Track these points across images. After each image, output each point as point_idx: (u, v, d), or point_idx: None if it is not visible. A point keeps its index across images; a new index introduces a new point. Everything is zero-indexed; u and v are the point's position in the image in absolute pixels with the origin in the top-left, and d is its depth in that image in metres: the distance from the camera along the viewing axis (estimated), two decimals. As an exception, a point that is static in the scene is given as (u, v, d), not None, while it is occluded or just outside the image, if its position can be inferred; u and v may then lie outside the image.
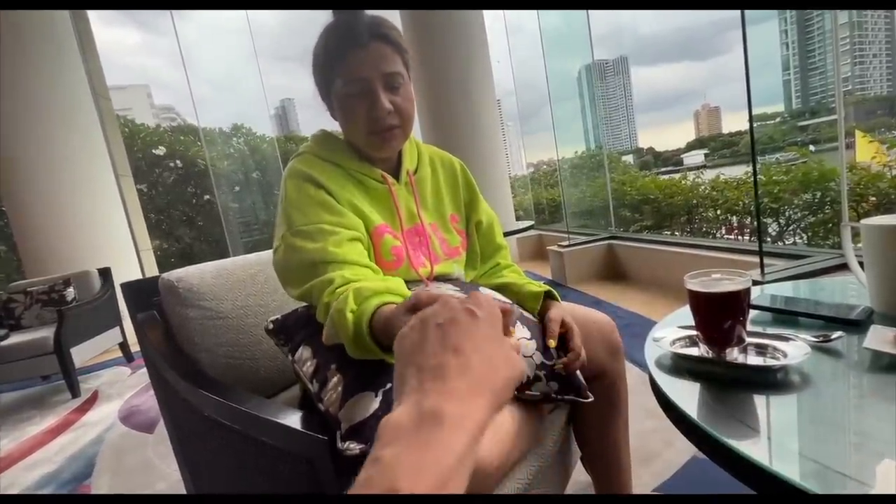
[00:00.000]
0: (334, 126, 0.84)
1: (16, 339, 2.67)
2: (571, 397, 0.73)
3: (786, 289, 0.94)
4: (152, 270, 4.95)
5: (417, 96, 5.04)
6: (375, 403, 0.59)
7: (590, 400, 0.73)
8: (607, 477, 0.90)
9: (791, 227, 3.04)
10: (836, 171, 2.75)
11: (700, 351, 0.64)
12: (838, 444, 0.46)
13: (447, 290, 0.78)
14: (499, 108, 5.47)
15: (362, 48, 0.72)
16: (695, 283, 0.62)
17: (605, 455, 0.89)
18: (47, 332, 2.67)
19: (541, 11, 4.95)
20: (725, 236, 3.61)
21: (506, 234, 1.07)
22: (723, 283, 0.62)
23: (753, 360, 0.60)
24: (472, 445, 0.23)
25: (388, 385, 0.60)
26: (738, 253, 2.52)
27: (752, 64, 1.99)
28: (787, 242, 3.09)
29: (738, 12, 2.01)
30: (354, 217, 0.73)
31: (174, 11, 5.52)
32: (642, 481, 1.18)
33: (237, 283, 0.99)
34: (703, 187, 3.98)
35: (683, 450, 1.27)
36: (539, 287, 0.83)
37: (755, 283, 1.87)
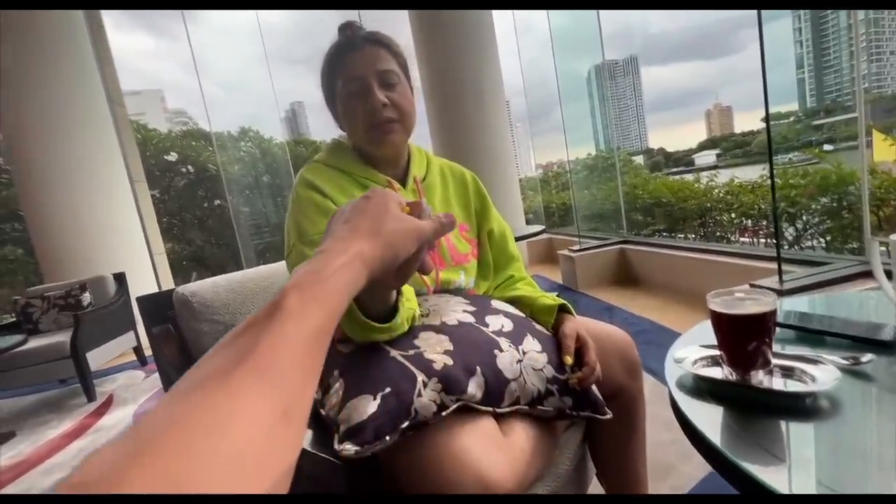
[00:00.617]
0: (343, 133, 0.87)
1: (34, 343, 2.72)
2: (588, 413, 0.71)
3: (803, 303, 0.92)
4: (165, 274, 5.01)
5: (425, 97, 5.01)
6: (373, 406, 0.58)
7: (608, 417, 0.71)
8: (625, 494, 0.88)
9: (809, 231, 2.97)
10: (855, 175, 2.69)
11: (723, 373, 0.62)
12: (874, 477, 0.44)
13: (456, 302, 0.77)
14: (507, 109, 5.44)
15: (357, 51, 0.78)
16: (718, 303, 0.60)
17: (622, 472, 0.87)
18: (64, 337, 2.72)
19: (550, 12, 4.93)
20: (741, 240, 3.55)
21: (517, 239, 1.06)
22: (747, 303, 0.60)
23: (780, 384, 0.58)
24: (351, 263, 0.33)
25: (388, 389, 0.59)
26: (754, 259, 2.47)
27: (767, 62, 1.95)
28: (803, 247, 3.03)
29: (749, 11, 1.98)
30: None
31: (186, 16, 5.60)
32: (659, 496, 1.16)
33: (250, 296, 0.99)
34: (716, 190, 3.91)
35: (701, 463, 1.23)
36: (553, 300, 0.81)
37: (773, 292, 1.83)
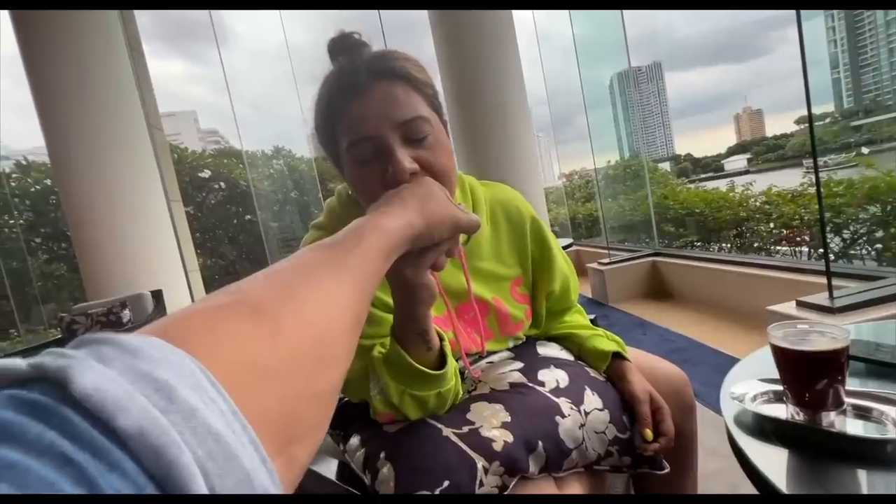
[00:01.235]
0: None
1: (77, 359, 2.83)
2: (646, 470, 0.67)
3: (868, 330, 0.85)
4: (199, 289, 5.17)
5: (447, 108, 4.91)
6: None
7: (665, 471, 0.66)
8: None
9: (859, 241, 2.81)
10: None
11: (788, 413, 0.57)
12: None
13: (500, 360, 0.73)
14: (531, 119, 5.40)
15: (363, 95, 0.54)
16: (780, 339, 0.56)
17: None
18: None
19: (574, 19, 4.90)
20: (783, 251, 3.37)
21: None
22: (813, 336, 0.56)
23: (856, 427, 0.53)
24: (386, 235, 0.36)
25: (446, 483, 0.52)
26: (798, 272, 2.35)
27: (798, 63, 1.85)
28: (851, 259, 2.86)
29: (777, 12, 1.90)
30: (391, 318, 0.59)
31: (219, 41, 5.85)
32: (708, 531, 1.09)
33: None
34: (752, 199, 3.76)
35: (750, 490, 1.16)
36: (606, 344, 0.74)
37: (823, 309, 1.72)
